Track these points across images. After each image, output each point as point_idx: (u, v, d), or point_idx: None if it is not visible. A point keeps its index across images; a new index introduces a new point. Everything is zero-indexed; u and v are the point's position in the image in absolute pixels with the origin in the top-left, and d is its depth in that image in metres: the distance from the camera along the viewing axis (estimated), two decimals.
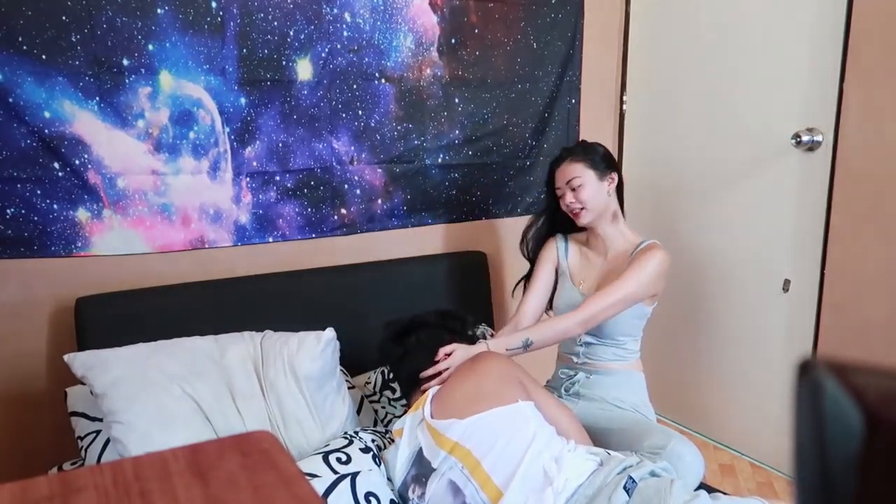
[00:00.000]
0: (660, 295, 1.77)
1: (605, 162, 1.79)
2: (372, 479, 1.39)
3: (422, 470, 1.37)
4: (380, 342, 1.66)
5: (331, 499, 1.32)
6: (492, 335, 1.99)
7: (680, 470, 1.47)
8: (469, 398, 1.39)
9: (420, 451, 1.39)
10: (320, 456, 1.41)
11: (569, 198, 1.76)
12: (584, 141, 1.91)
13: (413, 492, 1.38)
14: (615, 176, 1.80)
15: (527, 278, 1.95)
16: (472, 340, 1.65)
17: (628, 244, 1.79)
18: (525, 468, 1.28)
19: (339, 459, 1.40)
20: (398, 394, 1.81)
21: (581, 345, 1.81)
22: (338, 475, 1.36)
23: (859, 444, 0.27)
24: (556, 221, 1.91)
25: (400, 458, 1.42)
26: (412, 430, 1.43)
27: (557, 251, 1.90)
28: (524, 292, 1.91)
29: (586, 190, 1.75)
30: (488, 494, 1.28)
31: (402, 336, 1.63)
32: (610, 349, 1.78)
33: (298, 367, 1.57)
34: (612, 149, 2.69)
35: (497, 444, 1.32)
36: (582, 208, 1.76)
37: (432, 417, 1.40)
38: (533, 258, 1.95)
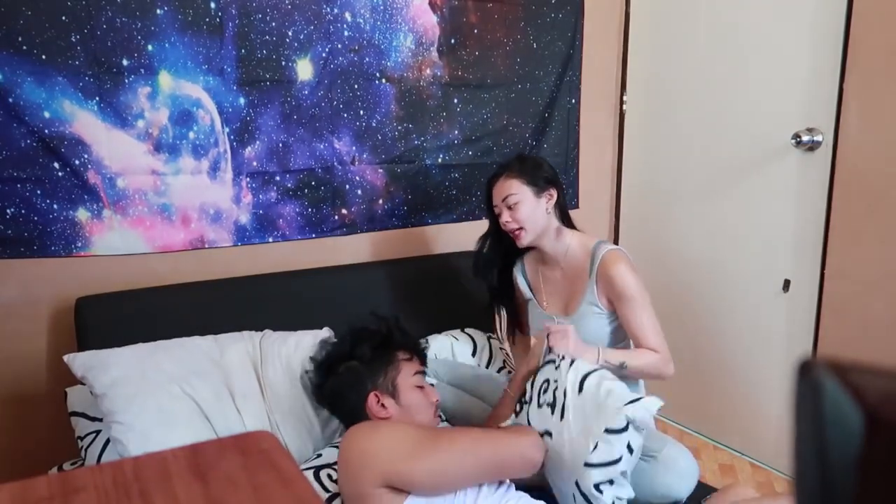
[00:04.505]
0: None
1: (544, 177, 1.68)
2: None
3: None
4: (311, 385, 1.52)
5: None
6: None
7: (674, 474, 1.47)
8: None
9: None
10: (311, 472, 1.38)
11: (505, 216, 1.65)
12: (521, 155, 1.77)
13: None
14: (554, 192, 1.67)
15: (506, 318, 1.91)
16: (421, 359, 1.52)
17: (581, 254, 1.69)
18: None
19: (329, 476, 1.38)
20: None
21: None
22: (329, 493, 1.34)
23: (859, 444, 0.27)
24: (505, 242, 1.75)
25: None
26: None
27: (517, 282, 1.82)
28: (516, 335, 1.87)
29: (523, 208, 1.63)
30: None
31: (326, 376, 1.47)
32: None
33: (297, 367, 1.58)
34: (612, 149, 2.69)
35: None
36: (520, 228, 1.64)
37: None
38: (498, 286, 1.86)
